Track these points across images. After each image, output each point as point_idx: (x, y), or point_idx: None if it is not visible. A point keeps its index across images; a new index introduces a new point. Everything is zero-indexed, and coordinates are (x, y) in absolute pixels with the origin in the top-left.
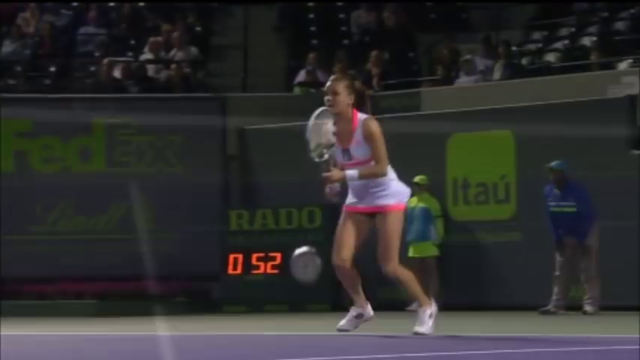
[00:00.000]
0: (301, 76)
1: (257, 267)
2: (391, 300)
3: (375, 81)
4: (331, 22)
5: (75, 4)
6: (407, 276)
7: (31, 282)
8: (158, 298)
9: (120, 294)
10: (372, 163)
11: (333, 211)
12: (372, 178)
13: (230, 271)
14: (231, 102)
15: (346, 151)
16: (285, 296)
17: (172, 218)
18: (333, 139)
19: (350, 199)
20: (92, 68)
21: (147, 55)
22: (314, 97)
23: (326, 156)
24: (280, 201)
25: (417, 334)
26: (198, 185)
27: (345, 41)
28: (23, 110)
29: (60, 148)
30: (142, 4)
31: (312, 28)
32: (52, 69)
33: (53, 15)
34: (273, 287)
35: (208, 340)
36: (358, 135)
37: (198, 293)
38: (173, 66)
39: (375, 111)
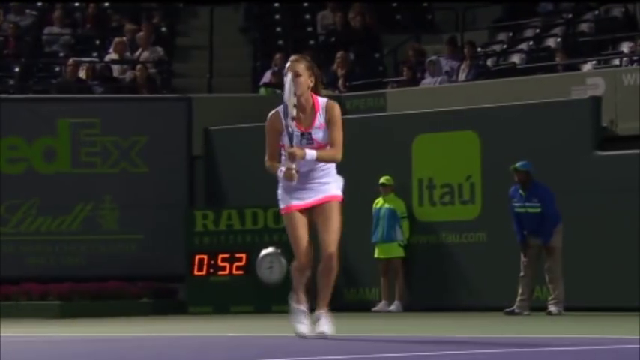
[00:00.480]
0: (267, 76)
1: (223, 268)
2: (357, 301)
3: (340, 82)
4: (297, 22)
5: (39, 4)
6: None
7: None
8: (123, 299)
9: (84, 295)
10: (328, 147)
11: None
12: (328, 162)
13: (195, 271)
14: (197, 102)
15: (306, 135)
16: (250, 297)
17: (137, 219)
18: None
19: (290, 197)
20: (57, 68)
21: (112, 56)
22: (279, 97)
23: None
24: (246, 201)
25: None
26: (164, 185)
27: (311, 42)
28: None
29: (24, 149)
30: (106, 4)
31: (278, 29)
32: (17, 69)
33: (17, 15)
34: (239, 288)
35: (173, 340)
36: (321, 118)
37: (163, 294)
38: (138, 66)
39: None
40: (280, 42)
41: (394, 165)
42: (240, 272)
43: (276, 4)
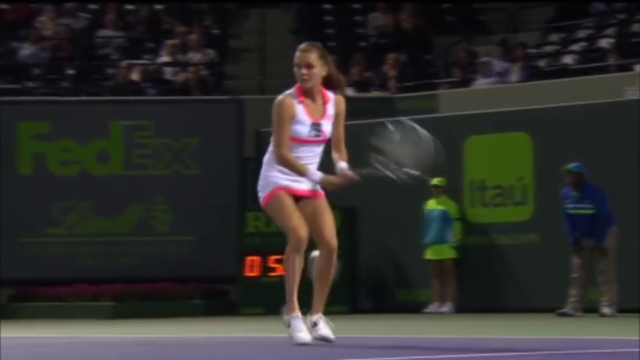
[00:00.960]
0: None
1: (273, 269)
2: (409, 301)
3: (392, 83)
4: (348, 24)
5: (93, 6)
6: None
7: (48, 284)
8: (176, 300)
9: (136, 296)
10: (337, 143)
11: (350, 213)
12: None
13: (247, 273)
14: (248, 104)
15: (316, 125)
16: (301, 298)
17: (189, 220)
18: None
19: (280, 182)
20: (110, 71)
21: (164, 58)
22: None
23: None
24: None
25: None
26: (215, 187)
27: (363, 43)
28: (41, 113)
29: (78, 151)
30: (159, 6)
31: (330, 31)
32: (70, 72)
33: (71, 18)
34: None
35: (224, 341)
36: (330, 110)
37: (214, 295)
38: (190, 68)
39: (392, 113)
40: (332, 44)
41: (446, 166)
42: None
43: (328, 6)
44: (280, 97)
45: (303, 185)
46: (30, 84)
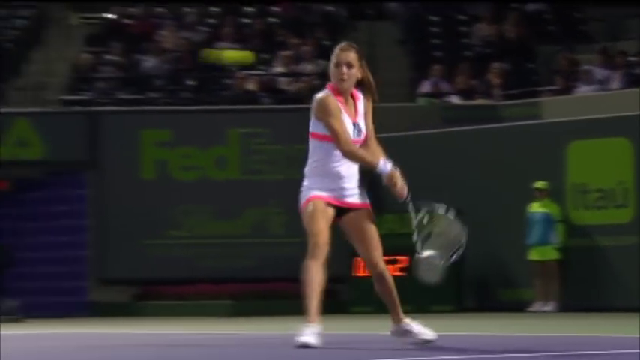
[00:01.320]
0: (426, 86)
1: None
2: (513, 300)
3: (496, 91)
4: (454, 35)
5: (211, 21)
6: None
7: (170, 283)
8: (291, 299)
9: (253, 295)
10: (371, 140)
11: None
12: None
13: (357, 273)
14: None
15: (356, 125)
16: (411, 297)
17: (302, 223)
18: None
19: (323, 189)
20: (227, 81)
21: (279, 69)
22: (437, 107)
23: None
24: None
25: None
26: None
27: (468, 53)
28: (163, 121)
29: (197, 157)
30: (273, 20)
31: (435, 41)
32: (190, 82)
33: (190, 32)
34: (400, 289)
35: (334, 338)
36: (361, 107)
37: (326, 294)
38: (303, 78)
39: (496, 120)
40: (437, 53)
41: (549, 170)
42: (402, 274)
43: (434, 18)
44: (321, 94)
45: (343, 198)
46: (152, 94)
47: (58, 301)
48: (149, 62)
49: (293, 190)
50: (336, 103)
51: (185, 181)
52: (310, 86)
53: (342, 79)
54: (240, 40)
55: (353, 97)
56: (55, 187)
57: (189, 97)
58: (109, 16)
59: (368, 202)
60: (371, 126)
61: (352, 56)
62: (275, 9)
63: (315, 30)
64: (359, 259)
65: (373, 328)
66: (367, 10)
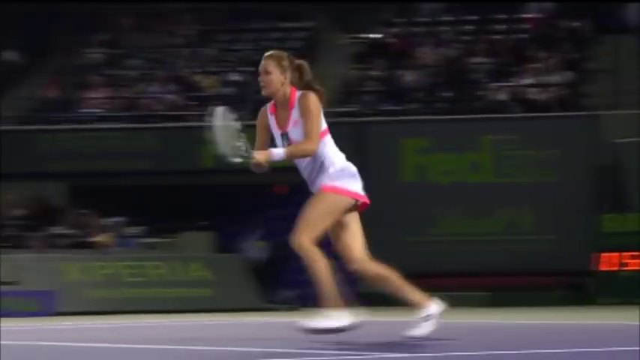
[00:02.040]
0: None
1: (628, 264)
2: None
3: None
4: None
5: (466, 37)
6: (317, 262)
7: (433, 277)
8: (539, 291)
9: (507, 287)
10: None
11: None
12: (301, 156)
13: (603, 267)
14: (603, 119)
15: (285, 136)
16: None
17: (551, 221)
18: (241, 139)
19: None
20: (481, 92)
21: (528, 80)
22: None
23: (245, 153)
24: None
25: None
26: (574, 192)
27: None
28: (422, 130)
29: (453, 162)
30: (523, 36)
31: None
32: (446, 94)
33: (447, 48)
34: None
35: (579, 327)
36: (295, 115)
37: (573, 287)
38: (551, 89)
39: None
40: None
41: None
42: None
43: None
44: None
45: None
46: (412, 106)
47: None
48: (409, 76)
49: (542, 192)
50: (263, 115)
51: (442, 184)
52: (557, 96)
53: (263, 87)
54: (493, 54)
55: (290, 103)
56: None
57: (446, 108)
58: (373, 35)
59: (328, 183)
60: (305, 127)
61: (270, 63)
62: (525, 26)
63: (561, 44)
64: (606, 254)
65: (618, 318)
66: (611, 24)
